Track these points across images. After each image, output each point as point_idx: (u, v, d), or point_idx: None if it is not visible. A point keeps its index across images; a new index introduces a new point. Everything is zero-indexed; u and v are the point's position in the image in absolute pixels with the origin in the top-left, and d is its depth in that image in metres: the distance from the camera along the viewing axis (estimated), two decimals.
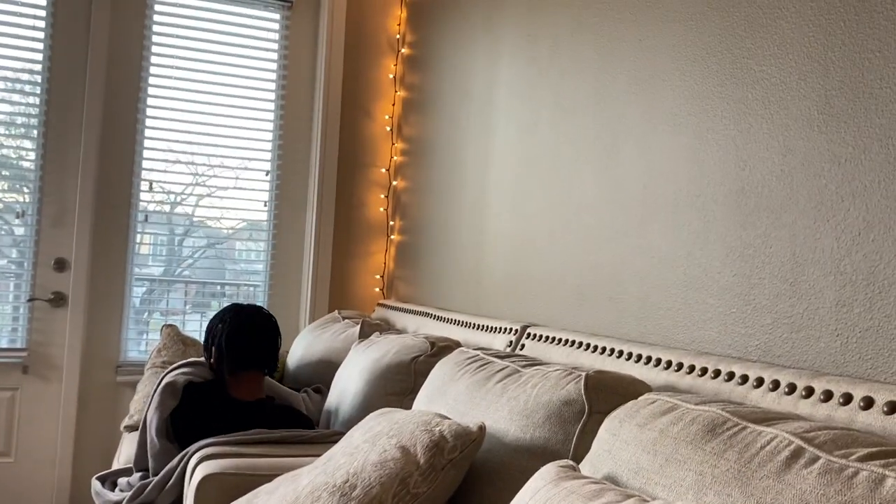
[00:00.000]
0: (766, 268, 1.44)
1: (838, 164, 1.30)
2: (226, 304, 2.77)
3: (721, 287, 1.55)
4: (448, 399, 1.72)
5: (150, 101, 3.24)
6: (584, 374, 1.45)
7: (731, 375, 1.38)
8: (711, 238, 1.59)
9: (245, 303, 2.32)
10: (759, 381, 1.32)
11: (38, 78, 3.08)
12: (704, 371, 1.45)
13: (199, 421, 1.99)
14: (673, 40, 1.75)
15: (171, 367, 2.16)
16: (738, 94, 1.54)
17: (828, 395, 1.19)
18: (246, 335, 2.15)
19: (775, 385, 1.28)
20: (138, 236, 3.26)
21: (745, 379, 1.35)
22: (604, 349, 1.76)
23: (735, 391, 1.35)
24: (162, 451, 1.94)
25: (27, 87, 3.08)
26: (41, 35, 3.08)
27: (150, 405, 2.05)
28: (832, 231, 1.31)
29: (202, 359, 2.21)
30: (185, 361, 2.18)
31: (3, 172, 3.07)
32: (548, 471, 1.19)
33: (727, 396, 1.36)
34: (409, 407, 2.02)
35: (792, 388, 1.25)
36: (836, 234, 1.30)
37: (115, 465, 2.40)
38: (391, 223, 3.48)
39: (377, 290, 3.51)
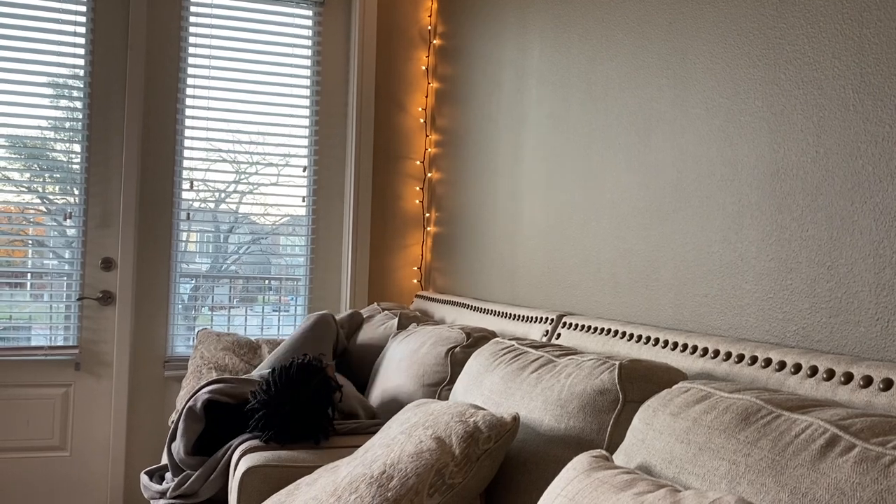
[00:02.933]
0: (803, 251, 1.41)
1: (875, 144, 1.27)
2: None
3: (757, 272, 1.52)
4: (483, 390, 1.73)
5: (188, 101, 3.31)
6: (617, 363, 1.44)
7: (768, 362, 1.36)
8: (746, 222, 1.56)
9: (313, 370, 1.94)
10: (797, 368, 1.30)
11: (81, 83, 3.17)
12: (741, 358, 1.43)
13: (227, 441, 1.97)
14: (704, 22, 1.71)
15: (198, 387, 2.08)
16: (770, 74, 1.51)
17: (867, 381, 1.16)
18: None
19: (813, 371, 1.26)
20: (183, 234, 3.33)
21: (782, 365, 1.33)
22: (639, 337, 1.75)
23: (772, 378, 1.33)
24: (198, 465, 1.95)
25: (74, 93, 3.17)
26: (82, 41, 3.16)
27: (174, 431, 2.00)
28: (870, 213, 1.27)
29: (228, 375, 2.12)
30: (213, 378, 2.09)
31: (55, 175, 3.17)
32: (580, 461, 1.19)
33: (764, 383, 1.34)
34: (446, 397, 2.04)
35: (830, 374, 1.23)
36: (875, 215, 1.27)
37: (164, 459, 2.47)
38: (427, 215, 3.49)
39: (415, 281, 3.53)
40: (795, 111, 1.44)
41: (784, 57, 1.48)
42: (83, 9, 3.16)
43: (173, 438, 2.01)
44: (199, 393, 2.01)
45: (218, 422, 1.98)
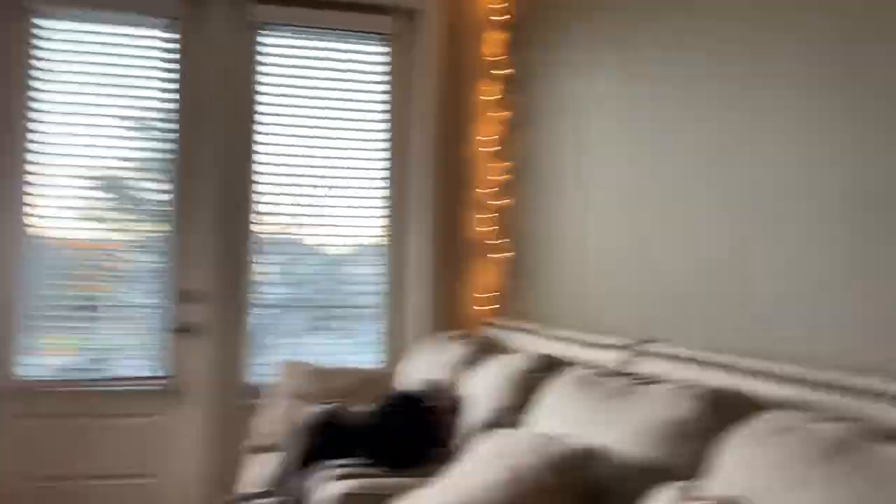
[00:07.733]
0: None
1: None
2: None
3: (847, 298, 1.50)
4: (563, 419, 1.74)
5: (261, 138, 3.44)
6: (702, 391, 1.44)
7: (856, 390, 1.34)
8: (836, 249, 1.53)
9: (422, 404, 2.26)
10: (882, 394, 1.27)
11: (165, 123, 3.35)
12: (829, 386, 1.41)
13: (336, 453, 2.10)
14: (781, 44, 1.71)
15: (315, 408, 2.29)
16: (850, 99, 1.49)
17: None
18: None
19: None
20: (258, 265, 3.46)
21: (871, 394, 1.30)
22: (721, 365, 1.73)
23: (862, 407, 1.31)
24: (297, 479, 2.06)
25: (157, 133, 3.36)
26: (167, 85, 3.34)
27: (284, 444, 2.17)
28: None
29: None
30: (327, 401, 2.30)
31: (142, 210, 3.35)
32: (668, 492, 1.19)
33: (853, 412, 1.32)
34: (515, 424, 2.05)
35: None
36: None
37: (241, 486, 2.55)
38: (496, 242, 3.52)
39: (485, 308, 3.55)
40: (878, 133, 1.42)
41: (864, 79, 1.46)
42: (174, 55, 3.33)
43: (282, 451, 2.12)
44: (314, 412, 2.18)
45: (325, 442, 2.12)
